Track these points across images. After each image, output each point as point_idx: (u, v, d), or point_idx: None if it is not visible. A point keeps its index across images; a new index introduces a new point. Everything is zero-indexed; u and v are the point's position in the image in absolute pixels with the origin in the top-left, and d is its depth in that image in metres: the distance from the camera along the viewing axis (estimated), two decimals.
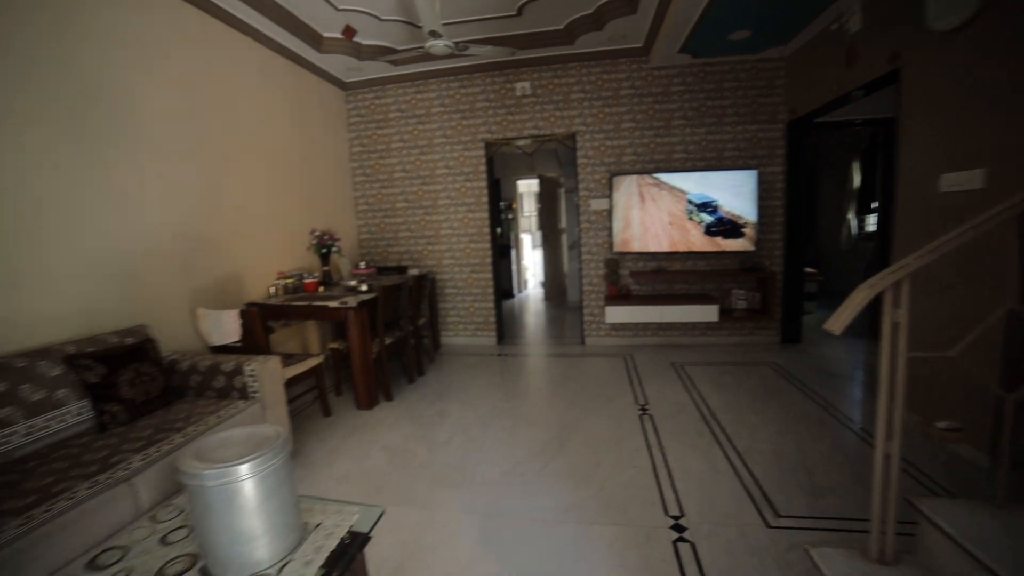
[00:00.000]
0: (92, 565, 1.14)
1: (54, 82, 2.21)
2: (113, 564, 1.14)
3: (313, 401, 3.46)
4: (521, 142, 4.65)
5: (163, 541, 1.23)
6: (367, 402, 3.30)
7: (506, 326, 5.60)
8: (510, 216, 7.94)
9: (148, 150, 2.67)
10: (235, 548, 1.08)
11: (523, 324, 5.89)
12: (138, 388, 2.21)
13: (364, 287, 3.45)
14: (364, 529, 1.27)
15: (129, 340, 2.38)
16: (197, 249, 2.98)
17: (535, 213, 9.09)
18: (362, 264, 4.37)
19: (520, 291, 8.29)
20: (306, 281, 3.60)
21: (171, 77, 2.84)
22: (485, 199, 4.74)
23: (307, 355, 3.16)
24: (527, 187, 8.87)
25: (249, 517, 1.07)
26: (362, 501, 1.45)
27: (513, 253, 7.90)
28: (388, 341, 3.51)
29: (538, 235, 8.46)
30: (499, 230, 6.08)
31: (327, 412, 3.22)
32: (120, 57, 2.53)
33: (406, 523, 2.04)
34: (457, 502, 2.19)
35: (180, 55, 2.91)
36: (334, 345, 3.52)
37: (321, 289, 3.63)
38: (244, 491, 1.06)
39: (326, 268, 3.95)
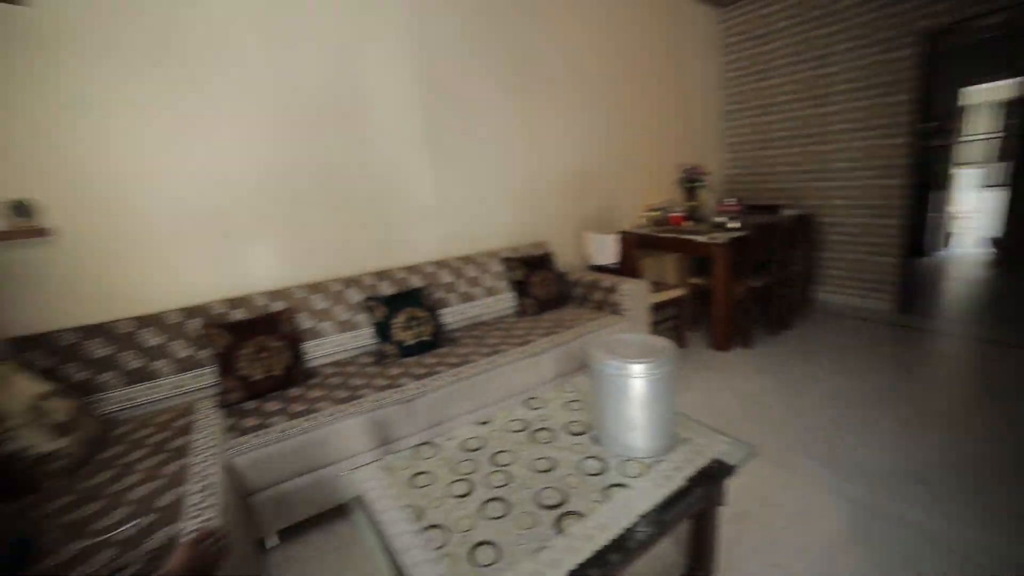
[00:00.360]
0: (526, 403, 1.59)
1: (508, 55, 2.90)
2: (537, 408, 1.56)
3: (670, 330, 3.62)
4: (991, 19, 3.09)
5: (565, 406, 1.56)
6: (723, 343, 3.21)
7: (915, 292, 4.23)
8: (940, 143, 5.65)
9: (553, 99, 3.20)
10: (620, 430, 1.26)
11: (943, 293, 4.31)
12: (544, 288, 2.84)
13: (733, 224, 3.24)
14: (731, 462, 1.26)
15: (538, 252, 3.06)
16: (584, 182, 3.47)
17: (993, 135, 6.15)
18: (730, 201, 4.10)
19: (941, 248, 6.01)
20: (671, 215, 3.68)
21: (577, 37, 3.26)
22: (906, 119, 3.50)
23: (671, 285, 3.29)
24: (984, 95, 5.98)
25: (635, 408, 1.22)
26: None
27: (935, 196, 5.69)
28: (755, 285, 3.25)
29: (995, 170, 5.78)
30: (923, 162, 4.46)
31: (682, 343, 3.31)
32: (542, 26, 3.07)
33: (757, 473, 1.93)
34: (820, 477, 1.90)
35: (586, 10, 3.28)
36: (695, 280, 3.53)
37: (686, 223, 3.64)
38: (635, 386, 1.20)
39: (692, 203, 3.91)
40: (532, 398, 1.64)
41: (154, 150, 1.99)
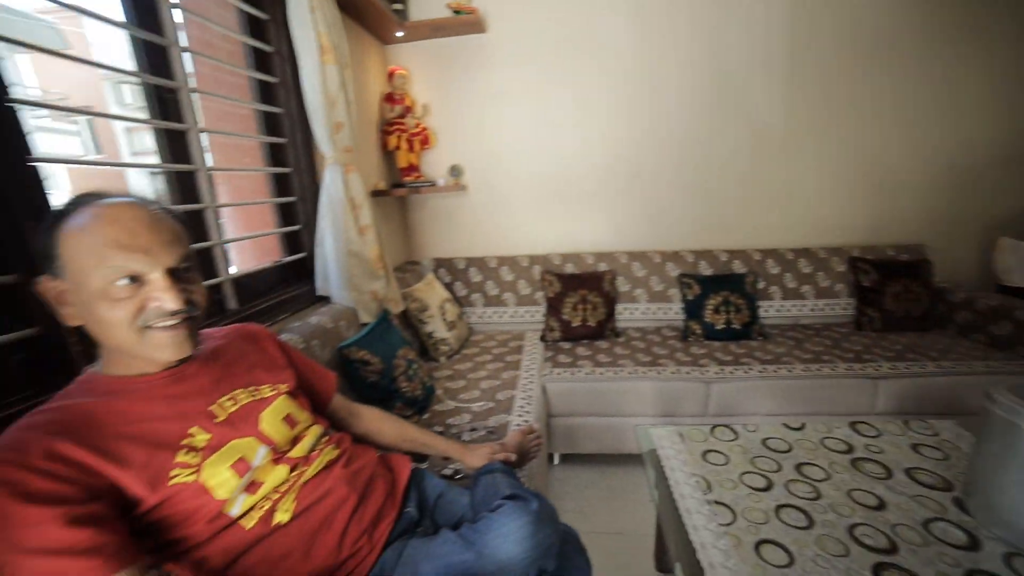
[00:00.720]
0: (852, 426, 1.33)
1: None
2: (868, 436, 1.28)
3: None
4: None
5: (912, 448, 1.23)
6: None
7: None
8: None
9: (960, 61, 2.29)
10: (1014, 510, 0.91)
11: None
12: (902, 302, 2.22)
13: None
14: None
15: (904, 256, 2.38)
16: (1002, 170, 2.42)
17: None
18: None
19: None
20: None
21: None
22: None
23: None
24: None
25: None
26: None
27: None
28: None
29: None
30: None
31: None
32: None
33: None
34: None
35: None
36: None
37: None
38: None
39: None
40: (861, 423, 1.36)
41: (528, 128, 2.50)
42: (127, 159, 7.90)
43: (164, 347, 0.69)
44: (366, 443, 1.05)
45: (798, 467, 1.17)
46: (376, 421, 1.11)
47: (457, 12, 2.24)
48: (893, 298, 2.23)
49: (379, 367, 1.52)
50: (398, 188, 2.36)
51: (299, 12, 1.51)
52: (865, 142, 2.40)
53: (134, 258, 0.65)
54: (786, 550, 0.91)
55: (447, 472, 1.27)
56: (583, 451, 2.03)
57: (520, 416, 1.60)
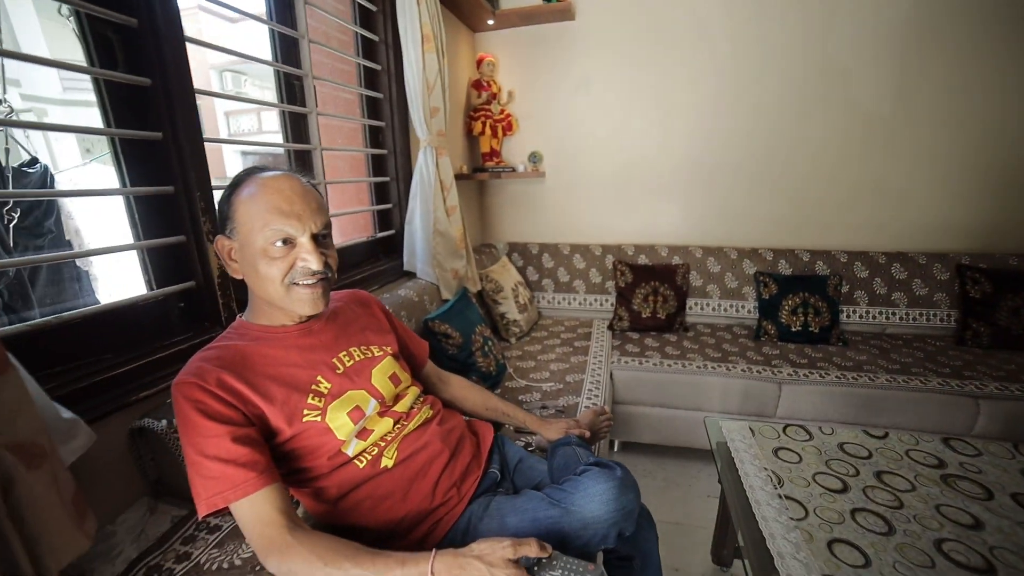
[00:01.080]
0: (945, 442, 1.26)
1: None
2: (965, 455, 1.21)
3: None
4: None
5: (1021, 472, 1.15)
6: None
7: None
8: None
9: None
10: None
11: None
12: (1019, 319, 2.02)
13: None
14: None
15: None
16: None
17: None
18: None
19: None
20: None
21: None
22: None
23: None
24: None
25: None
26: None
27: None
28: None
29: None
30: None
31: None
32: None
33: None
34: None
35: None
36: None
37: None
38: None
39: None
40: (957, 440, 1.28)
41: (609, 117, 2.49)
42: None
43: (304, 302, 0.81)
44: (452, 408, 1.15)
45: (878, 475, 1.14)
46: (463, 388, 1.21)
47: (548, 0, 2.27)
48: (1010, 313, 2.03)
49: (459, 341, 1.63)
50: (479, 172, 2.45)
51: (407, 3, 1.62)
52: (989, 134, 2.16)
53: (289, 223, 0.76)
54: (862, 552, 0.91)
55: (519, 444, 1.35)
56: (643, 440, 2.05)
57: (589, 399, 1.66)
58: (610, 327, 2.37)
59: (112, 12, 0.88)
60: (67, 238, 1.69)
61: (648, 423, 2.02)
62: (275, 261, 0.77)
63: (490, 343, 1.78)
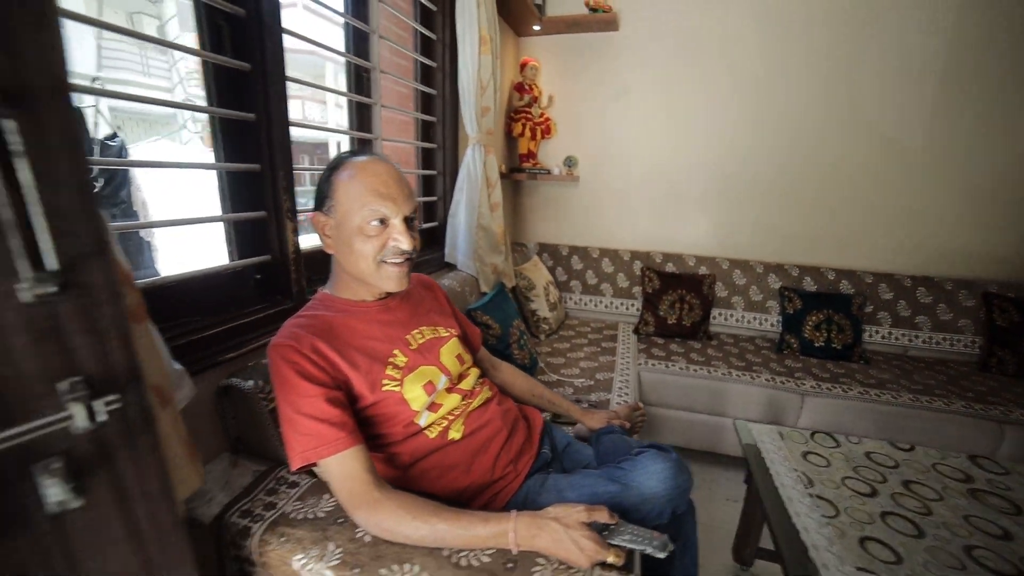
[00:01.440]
0: (972, 459, 1.31)
1: None
2: (992, 473, 1.26)
3: None
4: None
5: None
6: None
7: None
8: None
9: None
10: None
11: None
12: None
13: None
14: None
15: None
16: None
17: None
18: None
19: None
20: None
21: None
22: None
23: None
24: None
25: None
26: None
27: None
28: None
29: None
30: None
31: None
32: None
33: None
34: None
35: None
36: None
37: None
38: None
39: None
40: (984, 458, 1.32)
41: (646, 127, 2.55)
42: None
43: (391, 279, 0.87)
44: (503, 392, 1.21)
45: (906, 483, 1.19)
46: (512, 375, 1.27)
47: (594, 10, 2.34)
48: None
49: (498, 332, 1.69)
50: (517, 172, 2.52)
51: (467, 6, 1.69)
52: (1022, 164, 2.19)
53: (386, 205, 0.83)
54: (893, 551, 0.96)
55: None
56: (666, 442, 2.06)
57: (619, 396, 1.71)
58: (635, 331, 2.42)
59: (226, 3, 0.96)
60: (134, 209, 1.78)
61: (672, 425, 2.07)
62: (370, 239, 0.84)
63: (525, 337, 1.84)
